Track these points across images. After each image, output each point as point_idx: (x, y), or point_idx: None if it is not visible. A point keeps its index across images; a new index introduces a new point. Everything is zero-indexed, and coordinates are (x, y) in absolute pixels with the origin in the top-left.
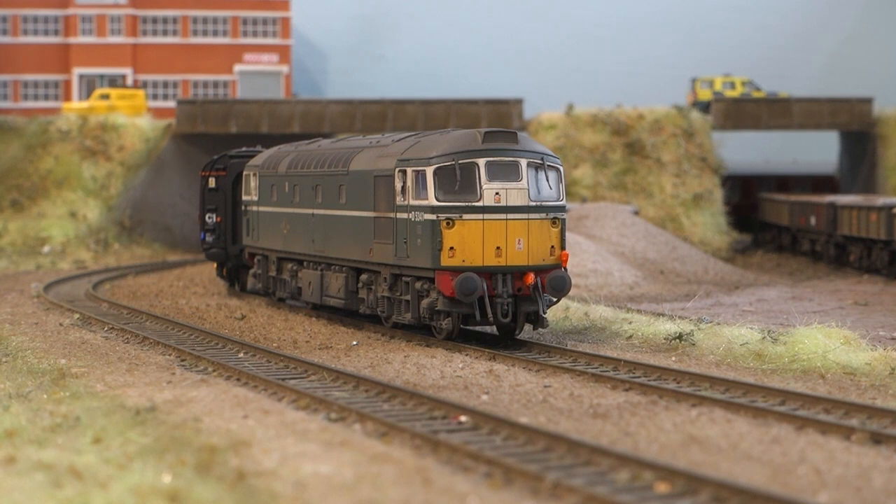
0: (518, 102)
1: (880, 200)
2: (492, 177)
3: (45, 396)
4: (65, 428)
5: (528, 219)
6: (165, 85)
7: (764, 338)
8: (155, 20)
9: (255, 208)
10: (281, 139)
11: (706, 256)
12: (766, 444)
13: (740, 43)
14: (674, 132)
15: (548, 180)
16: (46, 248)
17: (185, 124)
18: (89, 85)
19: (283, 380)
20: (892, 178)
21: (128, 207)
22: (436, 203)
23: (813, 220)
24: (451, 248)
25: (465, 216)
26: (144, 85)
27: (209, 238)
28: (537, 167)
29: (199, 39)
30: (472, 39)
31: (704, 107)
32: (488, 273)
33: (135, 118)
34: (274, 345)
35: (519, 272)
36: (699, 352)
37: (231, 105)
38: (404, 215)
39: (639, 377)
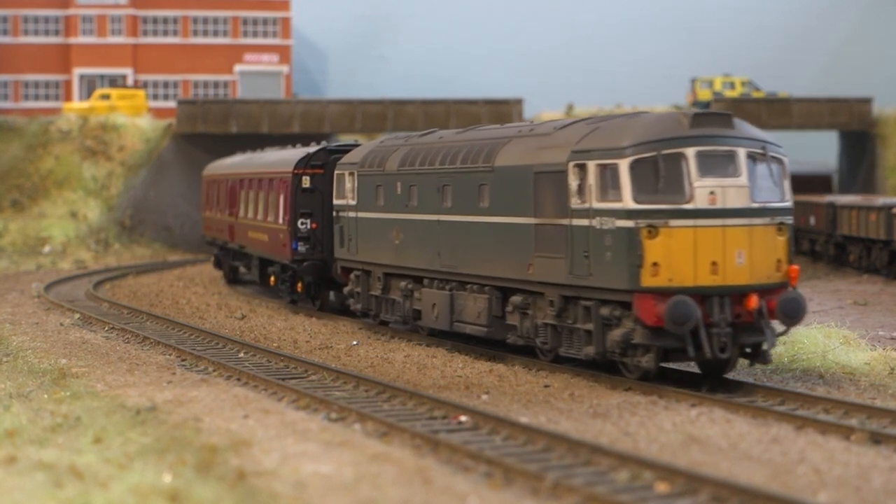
0: (518, 102)
1: (880, 200)
2: (704, 171)
3: (45, 396)
4: (65, 428)
5: (751, 225)
6: (166, 85)
7: None
8: (155, 20)
9: (351, 214)
10: (281, 139)
11: None
12: (766, 443)
13: (740, 43)
14: None
15: (771, 175)
16: (47, 248)
17: (186, 124)
18: (90, 85)
19: (284, 380)
20: (891, 178)
21: (128, 207)
22: (633, 206)
23: (812, 220)
24: (655, 264)
25: (672, 222)
26: (145, 85)
27: (302, 248)
28: (757, 158)
29: (200, 39)
30: (472, 39)
31: (704, 107)
32: (701, 296)
33: (135, 118)
34: (274, 345)
35: (738, 294)
36: None
37: (231, 105)
38: (584, 221)
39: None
